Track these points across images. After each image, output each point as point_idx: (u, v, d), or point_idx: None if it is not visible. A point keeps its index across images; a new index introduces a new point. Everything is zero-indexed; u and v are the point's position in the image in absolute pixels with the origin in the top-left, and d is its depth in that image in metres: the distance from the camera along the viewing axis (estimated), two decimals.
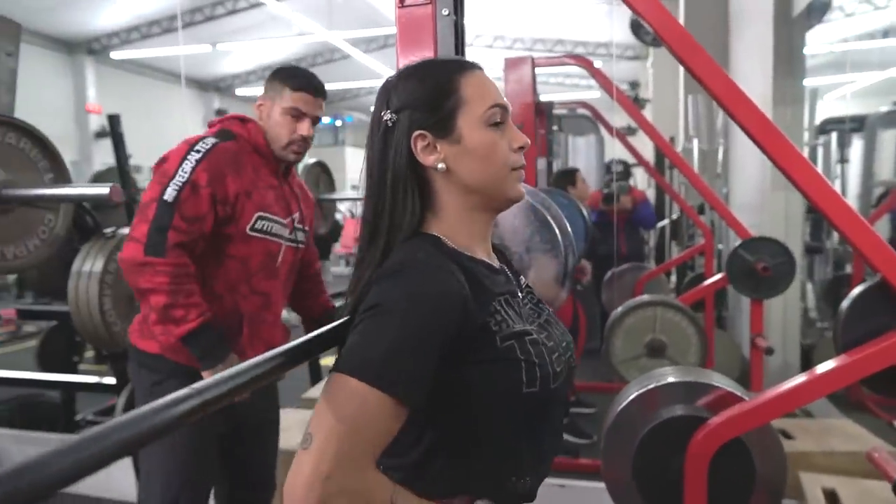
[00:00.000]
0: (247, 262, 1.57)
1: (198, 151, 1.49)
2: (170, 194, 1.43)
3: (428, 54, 1.36)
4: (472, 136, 0.80)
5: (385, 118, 0.81)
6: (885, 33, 10.81)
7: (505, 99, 0.83)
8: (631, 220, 4.56)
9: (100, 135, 12.15)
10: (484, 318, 0.76)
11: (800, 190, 1.29)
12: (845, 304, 1.32)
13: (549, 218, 1.48)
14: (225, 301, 1.56)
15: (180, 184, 1.44)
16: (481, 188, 0.81)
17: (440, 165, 0.80)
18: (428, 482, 0.78)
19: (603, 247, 4.23)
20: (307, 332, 1.48)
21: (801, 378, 1.31)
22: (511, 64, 2.77)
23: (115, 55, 12.36)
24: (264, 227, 1.58)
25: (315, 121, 1.64)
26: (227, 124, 1.62)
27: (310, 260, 1.85)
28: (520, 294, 0.87)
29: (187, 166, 1.46)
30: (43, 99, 10.11)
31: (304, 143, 1.62)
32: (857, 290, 1.30)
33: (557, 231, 1.46)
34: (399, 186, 0.80)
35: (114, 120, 3.08)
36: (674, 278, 5.15)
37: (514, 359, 0.75)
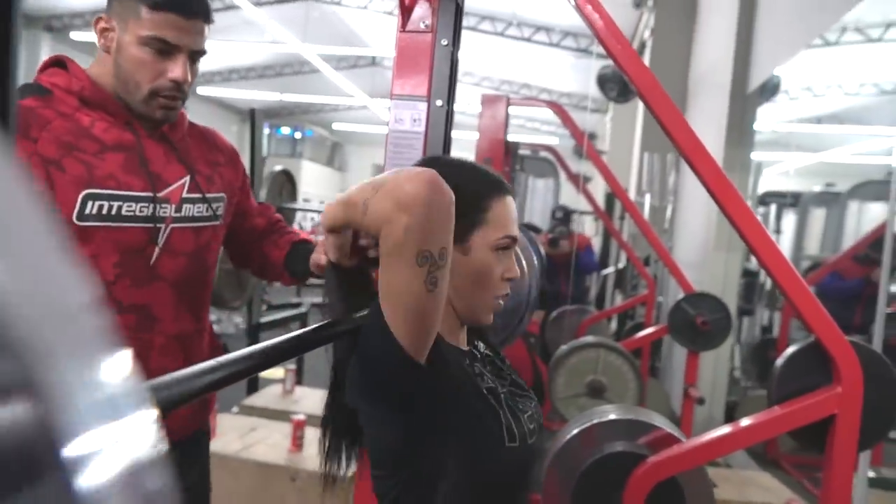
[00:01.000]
0: (96, 268, 1.08)
1: None
2: None
3: (423, 79, 1.42)
4: (479, 254, 0.86)
5: None
6: (819, 119, 11.68)
7: (518, 230, 0.91)
8: (575, 264, 4.74)
9: None
10: (465, 369, 0.82)
11: (750, 248, 1.40)
12: (780, 361, 1.43)
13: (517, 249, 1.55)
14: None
15: None
16: (461, 302, 0.87)
17: None
18: None
19: (547, 287, 4.40)
20: (294, 278, 1.32)
21: (739, 424, 1.40)
22: (487, 101, 2.87)
23: (76, 36, 11.98)
24: (104, 211, 1.07)
25: (194, 57, 1.13)
26: (39, 75, 1.14)
27: (256, 224, 1.40)
28: (494, 360, 0.95)
29: None
30: None
31: (178, 92, 1.12)
32: (791, 349, 1.41)
33: (523, 259, 1.53)
34: None
35: None
36: (614, 324, 5.32)
37: (494, 413, 0.81)
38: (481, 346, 0.99)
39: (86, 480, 0.13)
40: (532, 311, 1.53)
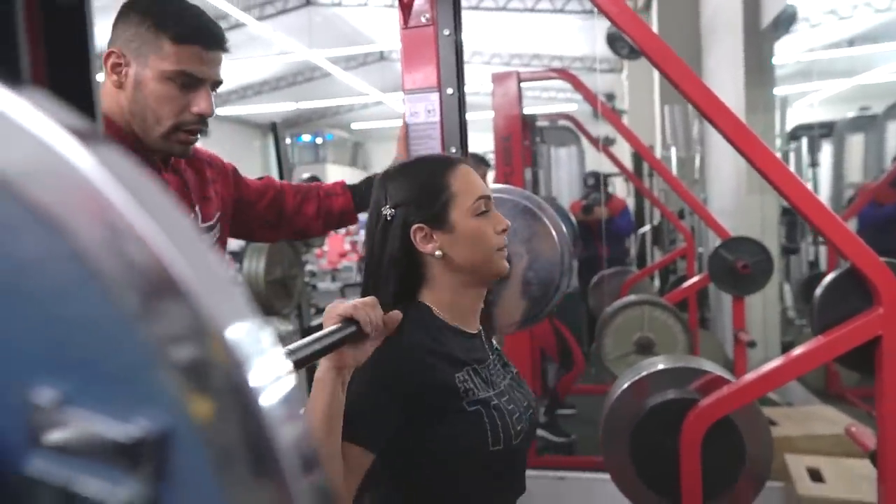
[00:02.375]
0: None
1: None
2: None
3: (431, 71, 1.48)
4: (465, 225, 0.93)
5: (384, 213, 0.94)
6: (850, 42, 11.21)
7: (487, 188, 0.97)
8: (609, 228, 4.78)
9: None
10: (452, 384, 0.88)
11: (775, 188, 1.42)
12: (819, 290, 1.45)
13: (544, 218, 1.59)
14: None
15: None
16: (472, 269, 0.95)
17: (437, 252, 0.92)
18: None
19: (585, 254, 4.53)
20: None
21: (782, 359, 1.43)
22: (498, 79, 2.91)
23: None
24: None
25: (214, 87, 1.09)
26: None
27: (275, 197, 1.39)
28: (491, 356, 1.00)
29: None
30: None
31: (201, 125, 1.08)
32: (829, 277, 1.43)
33: (552, 229, 1.57)
34: (393, 271, 0.93)
35: None
36: (657, 282, 5.31)
37: (481, 422, 0.88)
38: (493, 341, 1.06)
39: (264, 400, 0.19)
40: (569, 278, 1.57)
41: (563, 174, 5.27)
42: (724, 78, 4.30)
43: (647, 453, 1.57)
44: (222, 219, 1.28)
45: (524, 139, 3.59)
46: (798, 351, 1.42)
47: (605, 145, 4.32)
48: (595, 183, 5.02)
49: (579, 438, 3.22)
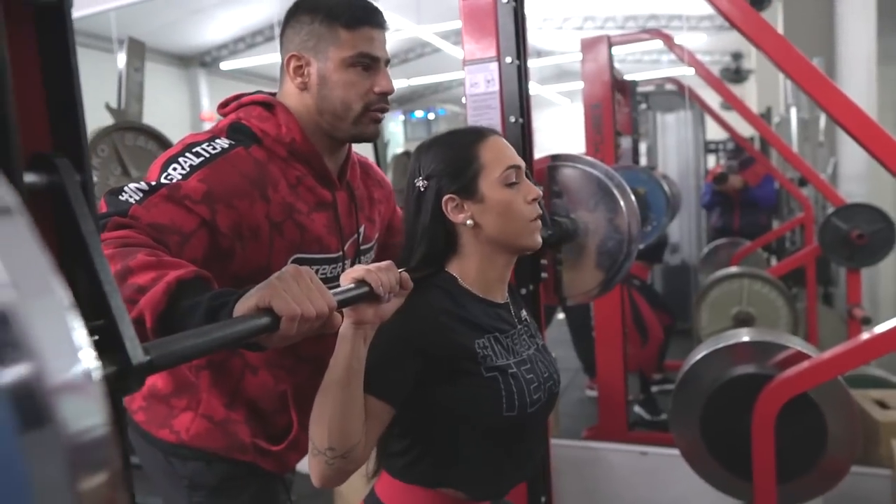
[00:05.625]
0: None
1: (198, 155, 0.97)
2: (126, 195, 0.89)
3: (491, 41, 1.48)
4: (493, 195, 0.95)
5: (418, 184, 0.98)
6: None
7: (518, 158, 0.98)
8: (747, 198, 4.53)
9: None
10: (471, 348, 0.91)
11: (872, 155, 1.30)
12: None
13: (613, 188, 1.55)
14: (260, 377, 1.11)
15: (147, 188, 0.90)
16: (503, 239, 0.97)
17: (468, 222, 0.95)
18: (418, 475, 0.94)
19: (719, 224, 4.53)
20: None
21: (870, 333, 1.32)
22: (587, 45, 2.81)
23: (224, 65, 13.28)
24: None
25: (386, 64, 1.10)
26: (246, 115, 1.07)
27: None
28: (518, 326, 1.02)
29: (175, 171, 0.94)
30: (162, 110, 11.10)
31: (386, 103, 1.10)
32: None
33: (621, 201, 1.53)
34: (426, 238, 0.97)
35: None
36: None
37: (497, 388, 0.90)
38: (524, 313, 1.07)
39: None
40: (636, 246, 1.53)
41: (671, 141, 5.01)
42: (857, 26, 3.88)
43: (720, 429, 1.51)
44: (378, 240, 1.27)
45: (623, 105, 3.46)
46: (889, 325, 1.30)
47: (712, 108, 4.06)
48: (735, 149, 4.75)
49: None
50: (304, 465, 1.25)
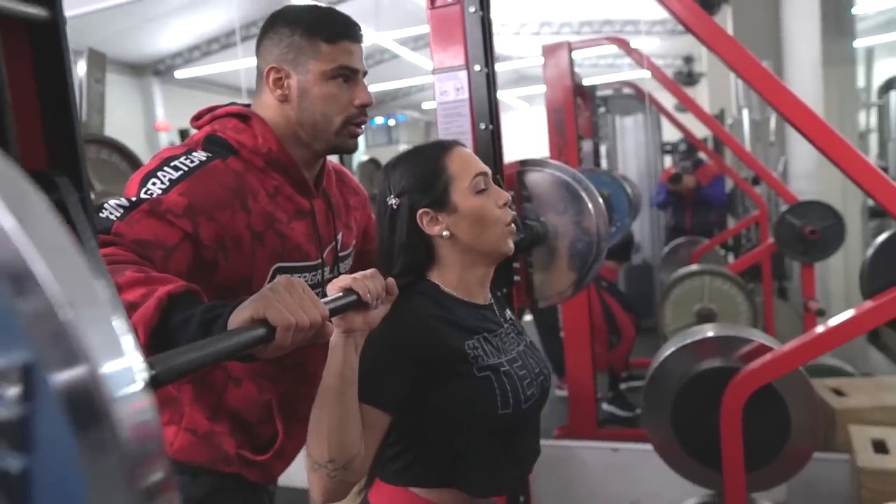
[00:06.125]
0: None
1: (176, 169, 0.97)
2: (106, 212, 0.88)
3: (459, 49, 1.50)
4: (465, 204, 0.97)
5: (390, 202, 1.00)
6: None
7: (483, 164, 1.01)
8: (699, 197, 4.67)
9: None
10: (462, 350, 0.93)
11: (817, 147, 1.36)
12: (869, 252, 1.38)
13: (581, 191, 1.59)
14: (244, 388, 1.10)
15: (127, 204, 0.90)
16: (478, 246, 0.99)
17: (445, 233, 0.97)
18: (413, 477, 0.95)
19: (672, 224, 4.69)
20: None
21: (828, 324, 1.39)
22: (548, 50, 2.86)
23: (179, 74, 13.03)
24: None
25: (363, 76, 1.12)
26: (221, 126, 1.07)
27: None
28: (504, 325, 1.04)
29: (154, 186, 0.94)
30: (116, 120, 10.83)
31: (365, 116, 1.12)
32: (877, 241, 1.36)
33: (589, 203, 1.58)
34: (404, 253, 0.99)
35: (185, 134, 3.36)
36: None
37: (490, 387, 0.92)
38: (508, 312, 1.10)
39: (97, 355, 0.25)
40: (606, 246, 1.57)
41: (630, 144, 5.13)
42: (802, 29, 4.04)
43: (690, 422, 1.56)
44: (355, 247, 1.28)
45: (584, 110, 3.53)
46: (844, 317, 1.37)
47: (667, 110, 4.17)
48: (687, 151, 4.89)
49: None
50: (284, 478, 1.26)
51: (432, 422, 0.94)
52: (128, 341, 0.26)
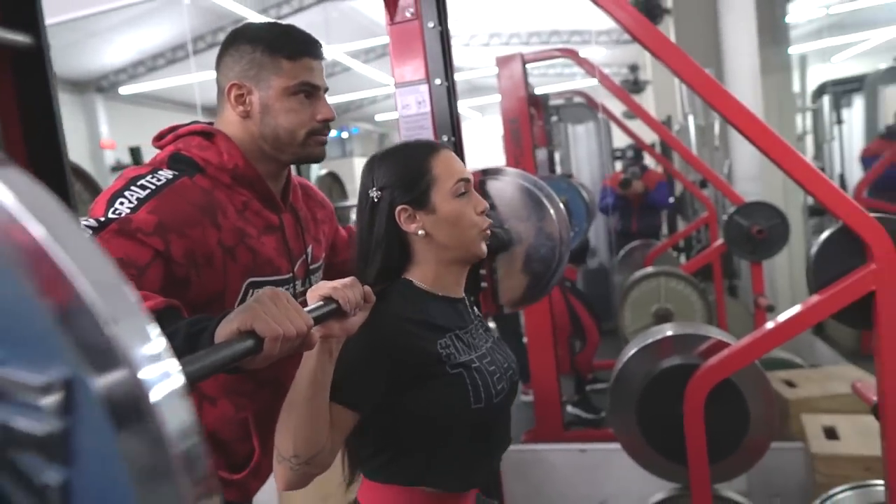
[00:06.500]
0: None
1: (143, 187, 0.97)
2: None
3: (419, 64, 1.53)
4: (445, 206, 1.00)
5: (372, 195, 1.01)
6: None
7: (468, 171, 1.04)
8: (645, 201, 4.82)
9: (115, 169, 12.47)
10: (434, 350, 0.96)
11: (760, 149, 1.44)
12: (813, 249, 1.46)
13: (542, 198, 1.64)
14: (220, 407, 1.11)
15: (96, 224, 0.90)
16: (453, 247, 1.02)
17: (420, 232, 0.99)
18: (390, 475, 0.97)
19: (620, 228, 4.81)
20: None
21: (778, 319, 1.46)
22: (502, 62, 2.93)
23: (124, 90, 12.70)
24: None
25: (325, 92, 1.15)
26: (185, 145, 1.07)
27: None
28: (474, 322, 1.08)
29: (122, 206, 0.93)
30: None
31: (328, 129, 1.13)
32: (822, 237, 1.44)
33: (551, 209, 1.62)
34: (381, 249, 1.01)
35: (136, 152, 3.29)
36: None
37: (463, 383, 0.95)
38: (475, 309, 1.13)
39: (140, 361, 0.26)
40: (568, 251, 1.62)
41: (583, 152, 5.26)
42: (740, 39, 4.23)
43: (655, 420, 1.62)
44: (324, 260, 1.29)
45: (537, 119, 3.62)
46: (794, 311, 1.44)
47: (617, 117, 4.30)
48: (635, 156, 5.04)
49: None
50: (259, 497, 1.25)
51: (406, 422, 0.95)
52: (162, 344, 0.27)
